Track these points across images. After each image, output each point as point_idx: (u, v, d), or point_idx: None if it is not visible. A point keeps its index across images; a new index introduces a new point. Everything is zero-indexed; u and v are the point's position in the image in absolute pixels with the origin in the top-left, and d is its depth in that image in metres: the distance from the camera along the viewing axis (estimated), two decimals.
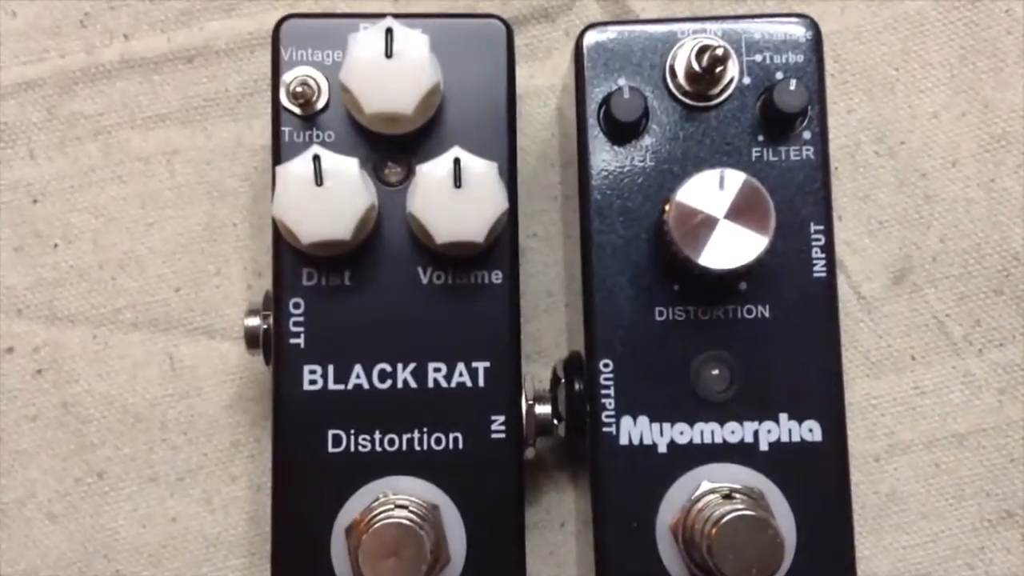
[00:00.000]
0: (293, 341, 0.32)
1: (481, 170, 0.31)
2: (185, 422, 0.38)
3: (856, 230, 0.39)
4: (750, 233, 0.30)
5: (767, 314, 0.32)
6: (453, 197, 0.31)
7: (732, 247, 0.30)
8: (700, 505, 0.31)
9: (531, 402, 0.34)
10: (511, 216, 0.33)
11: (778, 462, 0.32)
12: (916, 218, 0.39)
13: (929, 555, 0.37)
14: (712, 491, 0.31)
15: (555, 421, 0.34)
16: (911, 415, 0.38)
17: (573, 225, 0.37)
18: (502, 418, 0.33)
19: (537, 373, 0.38)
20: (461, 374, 0.33)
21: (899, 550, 0.37)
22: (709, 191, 0.30)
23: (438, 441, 0.32)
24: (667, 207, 0.31)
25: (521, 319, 0.38)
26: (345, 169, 0.31)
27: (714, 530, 0.29)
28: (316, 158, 0.30)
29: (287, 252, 0.33)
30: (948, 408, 0.38)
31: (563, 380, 0.34)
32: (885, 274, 0.38)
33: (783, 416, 0.32)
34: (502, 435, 0.33)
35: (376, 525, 0.30)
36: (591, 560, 0.32)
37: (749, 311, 0.32)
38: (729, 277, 0.32)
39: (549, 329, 0.39)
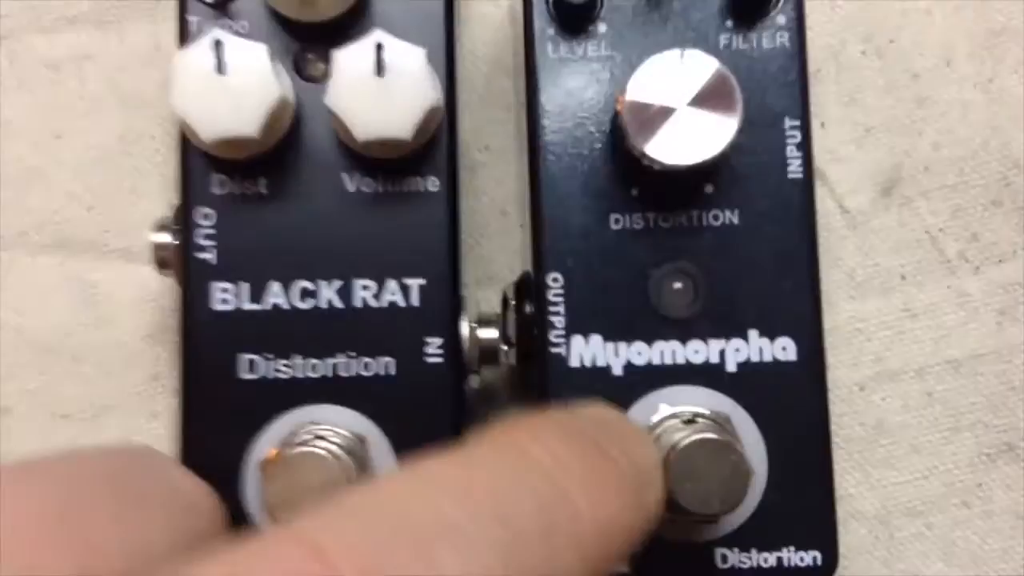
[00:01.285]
0: (202, 256, 0.29)
1: (407, 56, 0.28)
2: (100, 354, 0.35)
3: (840, 138, 0.35)
4: (715, 119, 0.27)
5: (736, 220, 0.29)
6: (375, 88, 0.27)
7: (695, 139, 0.27)
8: (658, 432, 0.27)
9: (475, 325, 0.31)
10: (449, 115, 0.30)
11: (747, 384, 0.29)
12: (906, 123, 0.35)
13: (921, 492, 0.34)
14: (672, 416, 0.28)
15: (504, 348, 0.31)
16: (900, 340, 0.34)
17: (522, 133, 0.34)
18: (439, 341, 0.29)
19: (490, 300, 0.34)
20: (392, 292, 0.30)
21: (888, 487, 0.34)
22: (667, 76, 0.27)
23: (366, 367, 0.29)
24: (620, 97, 0.28)
25: (472, 241, 0.35)
26: (251, 56, 0.27)
27: (671, 456, 0.26)
28: (218, 43, 0.27)
29: (195, 156, 0.29)
30: (942, 331, 0.34)
31: (513, 303, 0.31)
32: (872, 186, 0.35)
33: (753, 333, 0.29)
34: (439, 359, 0.29)
35: (290, 457, 0.27)
36: None
37: (716, 217, 0.29)
38: (693, 177, 0.29)
39: (502, 252, 0.36)
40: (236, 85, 0.27)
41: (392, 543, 0.17)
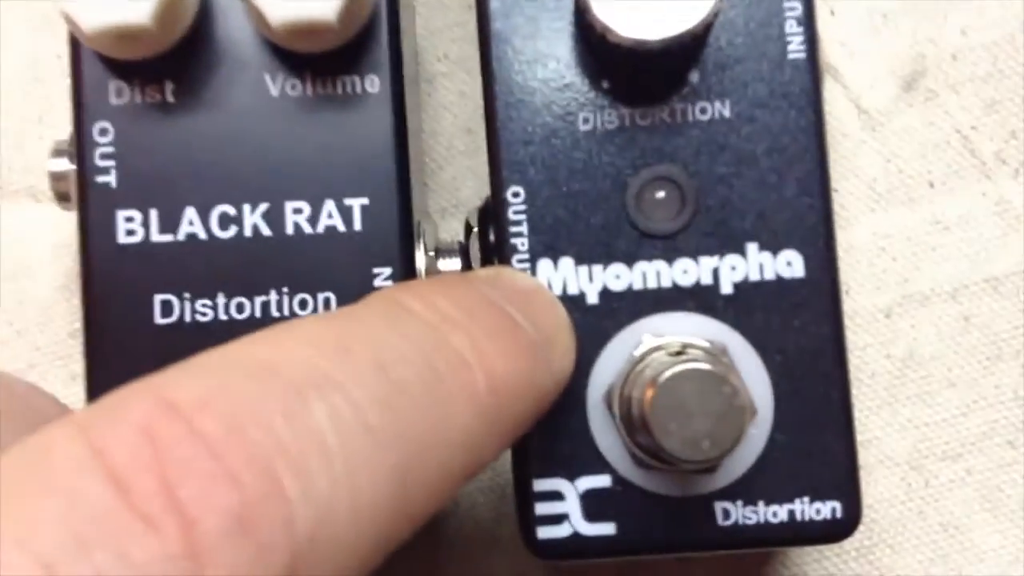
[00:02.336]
0: (101, 180, 0.25)
1: None
2: (11, 309, 0.31)
3: (853, 25, 0.31)
4: None
5: (727, 113, 0.25)
6: None
7: (669, 6, 0.23)
8: (641, 367, 0.23)
9: (432, 255, 0.27)
10: None
11: (747, 307, 0.24)
12: (929, 5, 0.31)
13: (959, 432, 0.30)
14: (658, 348, 0.24)
15: None
16: (930, 257, 0.30)
17: None
18: (387, 271, 0.25)
19: (456, 231, 0.30)
20: (330, 215, 0.26)
21: (920, 427, 0.30)
22: None
23: (303, 304, 0.25)
24: None
25: (434, 165, 0.31)
26: None
27: (650, 392, 0.22)
28: None
29: (87, 61, 0.25)
30: (978, 245, 0.30)
31: (476, 229, 0.27)
32: (892, 80, 0.31)
33: (751, 247, 0.25)
34: None
35: None
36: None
37: (703, 110, 0.25)
38: (672, 61, 0.24)
39: (468, 176, 0.32)
40: None
41: (256, 395, 0.16)
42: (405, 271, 0.26)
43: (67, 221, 0.30)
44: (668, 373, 0.22)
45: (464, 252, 0.27)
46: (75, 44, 0.25)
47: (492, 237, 0.26)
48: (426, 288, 0.21)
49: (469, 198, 0.32)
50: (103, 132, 0.25)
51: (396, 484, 0.17)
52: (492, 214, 0.26)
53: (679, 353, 0.23)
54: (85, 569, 0.14)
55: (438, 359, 0.19)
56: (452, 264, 0.27)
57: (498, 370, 0.20)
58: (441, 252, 0.27)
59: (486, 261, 0.27)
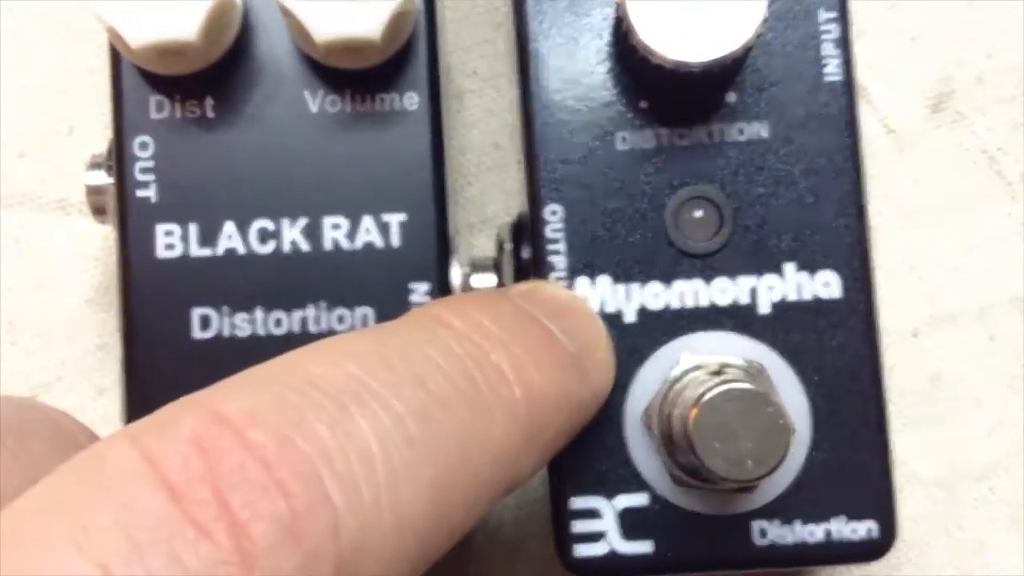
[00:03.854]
0: (141, 193, 0.26)
1: None
2: (38, 321, 0.31)
3: (882, 48, 0.31)
4: (736, 7, 0.23)
5: (765, 134, 0.25)
6: None
7: (712, 30, 0.23)
8: (680, 386, 0.24)
9: (467, 271, 0.27)
10: (428, 17, 0.26)
11: (784, 327, 0.25)
12: (956, 28, 0.31)
13: (986, 452, 0.30)
14: (696, 368, 0.24)
15: None
16: (958, 276, 0.31)
17: (508, 55, 0.30)
18: (425, 286, 0.26)
19: (485, 247, 0.31)
20: (368, 231, 0.26)
21: (946, 446, 0.30)
22: None
23: (340, 319, 0.26)
24: None
25: (463, 181, 0.32)
26: None
27: (694, 412, 0.22)
28: None
29: (129, 74, 0.26)
30: (1004, 264, 0.31)
31: (511, 246, 0.28)
32: (920, 101, 0.31)
33: (789, 267, 0.25)
34: None
35: None
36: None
37: (741, 131, 0.25)
38: (712, 83, 0.25)
39: (496, 192, 0.32)
40: None
41: (301, 408, 0.17)
42: (442, 286, 0.26)
43: (96, 234, 0.31)
44: (712, 393, 0.22)
45: (497, 267, 0.28)
46: (115, 58, 0.26)
47: (525, 253, 0.27)
48: (465, 304, 0.21)
49: (496, 213, 0.32)
50: (143, 146, 0.26)
51: (436, 494, 0.18)
52: (526, 231, 0.26)
53: (717, 372, 0.24)
54: (139, 571, 0.14)
55: (477, 374, 0.19)
56: (486, 279, 0.28)
57: (536, 384, 0.20)
58: (476, 267, 0.28)
59: (520, 277, 0.27)
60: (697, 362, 0.24)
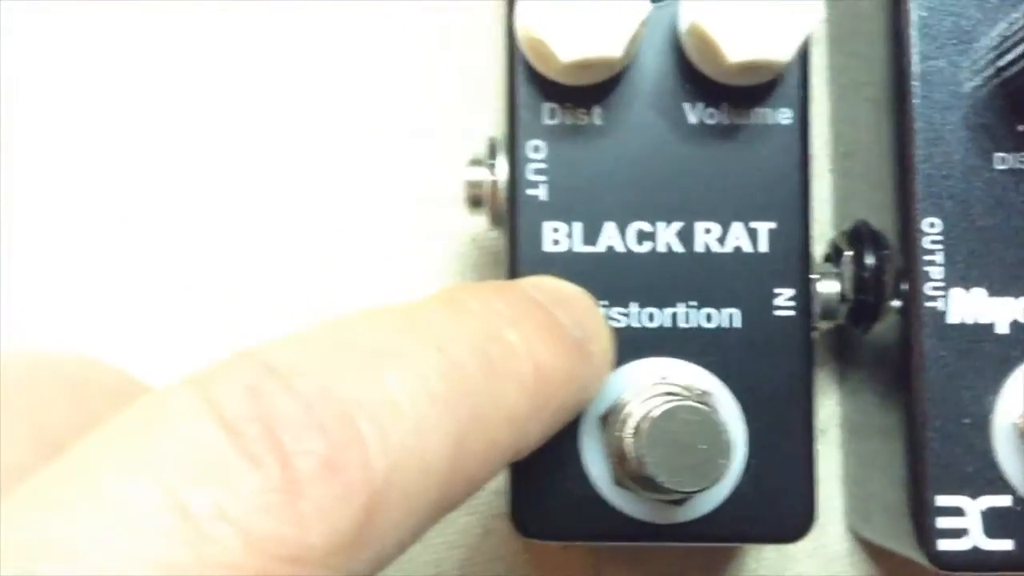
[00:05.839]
0: (531, 192, 0.28)
1: None
2: None
3: None
4: None
5: None
6: (749, 3, 0.26)
7: None
8: None
9: (816, 276, 0.29)
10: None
11: None
12: None
13: None
14: None
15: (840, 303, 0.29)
16: None
17: (846, 70, 0.32)
18: (790, 292, 0.28)
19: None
20: (738, 236, 0.28)
21: None
22: None
23: (708, 317, 0.28)
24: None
25: None
26: None
27: None
28: None
29: (523, 84, 0.28)
30: None
31: (851, 253, 0.29)
32: None
33: None
34: (790, 312, 0.28)
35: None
36: (892, 470, 0.28)
37: None
38: None
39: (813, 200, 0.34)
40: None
41: (339, 362, 0.19)
42: (805, 292, 0.28)
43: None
44: None
45: (839, 275, 0.30)
46: (512, 68, 0.28)
47: (869, 260, 0.28)
48: (482, 289, 0.24)
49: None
50: (536, 149, 0.28)
51: (455, 446, 0.20)
52: (869, 238, 0.28)
53: None
54: (202, 497, 0.17)
55: (492, 347, 0.22)
56: (830, 286, 0.29)
57: (544, 361, 0.22)
58: (822, 274, 0.29)
59: (859, 286, 0.29)
60: None
